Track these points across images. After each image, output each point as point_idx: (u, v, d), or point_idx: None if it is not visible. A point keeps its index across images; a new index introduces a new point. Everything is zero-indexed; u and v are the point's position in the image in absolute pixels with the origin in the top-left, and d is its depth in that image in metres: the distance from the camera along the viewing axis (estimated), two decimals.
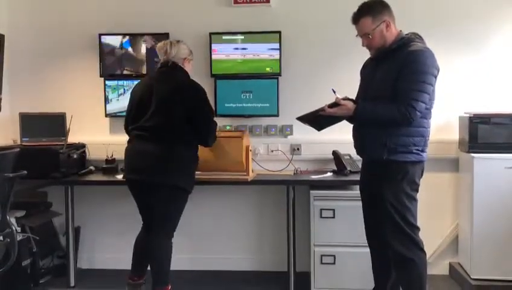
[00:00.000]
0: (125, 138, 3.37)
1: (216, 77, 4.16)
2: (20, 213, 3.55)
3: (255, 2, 4.13)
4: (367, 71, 3.00)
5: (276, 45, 4.08)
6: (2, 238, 2.88)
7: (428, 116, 2.83)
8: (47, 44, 4.32)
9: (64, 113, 4.16)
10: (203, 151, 3.36)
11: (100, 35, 4.21)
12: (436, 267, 4.09)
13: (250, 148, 3.65)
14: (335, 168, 3.92)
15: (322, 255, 3.59)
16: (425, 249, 2.85)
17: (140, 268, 3.40)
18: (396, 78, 2.73)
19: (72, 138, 4.01)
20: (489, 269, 3.68)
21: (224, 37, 4.13)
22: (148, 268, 3.34)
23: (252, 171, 3.74)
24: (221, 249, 4.27)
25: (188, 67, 3.36)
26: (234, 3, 4.13)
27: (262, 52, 4.10)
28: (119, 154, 3.57)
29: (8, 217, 2.90)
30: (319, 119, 2.95)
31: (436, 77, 2.77)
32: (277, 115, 4.12)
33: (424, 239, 2.85)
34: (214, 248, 4.28)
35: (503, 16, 4.02)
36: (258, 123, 4.19)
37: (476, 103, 3.97)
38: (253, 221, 4.27)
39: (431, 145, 2.92)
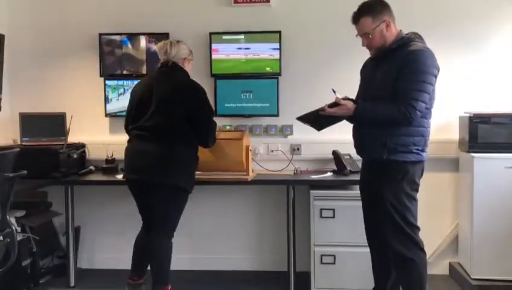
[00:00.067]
0: (125, 137, 3.37)
1: (216, 76, 4.16)
2: (20, 213, 3.55)
3: (255, 2, 4.13)
4: (367, 71, 3.00)
5: (276, 45, 4.08)
6: (2, 238, 2.87)
7: (429, 116, 2.83)
8: (47, 44, 4.32)
9: (64, 113, 4.16)
10: (203, 151, 3.36)
11: (100, 35, 4.21)
12: (436, 267, 4.09)
13: (250, 148, 3.65)
14: (335, 168, 3.92)
15: (322, 255, 3.59)
16: (426, 249, 2.85)
17: (140, 268, 3.40)
18: (396, 78, 2.72)
19: (72, 138, 4.01)
20: (489, 269, 3.68)
21: (224, 37, 4.13)
22: (148, 268, 3.34)
23: (252, 171, 3.74)
24: (221, 249, 4.27)
25: (188, 67, 3.36)
26: (234, 3, 4.13)
27: (263, 52, 4.10)
28: (119, 154, 3.57)
29: (8, 217, 2.90)
30: (319, 119, 2.95)
31: (436, 77, 2.77)
32: (277, 115, 4.12)
33: (424, 239, 2.85)
34: (214, 247, 4.28)
35: (503, 16, 4.02)
36: (258, 123, 4.19)
37: (476, 102, 3.97)
38: (253, 221, 4.27)
39: (431, 145, 2.92)
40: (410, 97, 2.69)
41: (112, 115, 4.26)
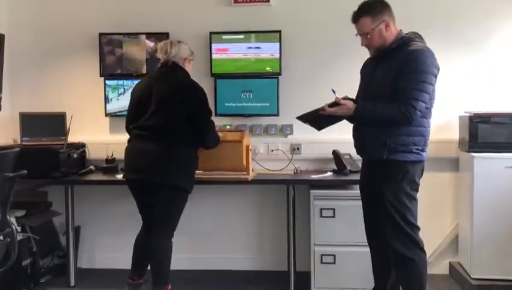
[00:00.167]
0: (125, 137, 3.38)
1: (216, 76, 4.16)
2: (20, 213, 3.55)
3: (255, 2, 4.13)
4: (367, 71, 3.00)
5: (277, 45, 4.08)
6: (2, 238, 2.88)
7: (429, 115, 2.83)
8: (47, 44, 4.33)
9: (64, 113, 4.16)
10: (203, 151, 3.36)
11: (100, 34, 4.21)
12: (436, 267, 4.09)
13: (250, 147, 3.64)
14: (335, 167, 3.92)
15: (322, 255, 3.59)
16: (426, 248, 2.85)
17: (140, 268, 3.40)
18: (396, 78, 2.72)
19: (72, 138, 4.01)
20: (489, 269, 3.68)
21: (224, 37, 4.13)
22: (148, 268, 3.34)
23: (252, 170, 3.74)
24: (222, 248, 4.28)
25: (188, 68, 3.36)
26: (234, 2, 4.14)
27: (263, 51, 4.10)
28: (119, 154, 3.57)
29: (8, 217, 2.90)
30: (319, 119, 2.95)
31: (436, 77, 2.77)
32: (277, 115, 4.12)
33: (424, 239, 2.85)
34: (214, 247, 4.28)
35: (503, 15, 4.01)
36: (258, 123, 4.19)
37: (476, 102, 3.97)
38: (253, 220, 4.27)
39: (431, 145, 2.92)
40: (410, 97, 2.68)
41: (112, 115, 4.26)
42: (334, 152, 3.95)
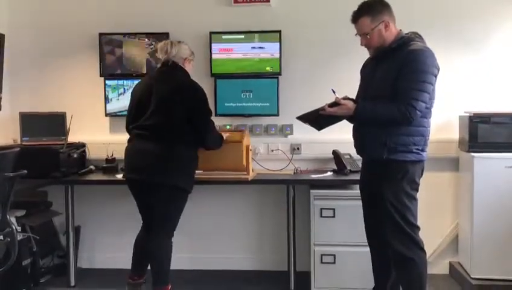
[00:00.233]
0: (125, 137, 3.38)
1: (216, 76, 4.16)
2: (21, 213, 3.55)
3: (255, 2, 4.13)
4: (367, 71, 3.00)
5: (276, 44, 4.08)
6: (2, 238, 2.88)
7: (429, 115, 2.83)
8: (47, 44, 4.33)
9: (65, 113, 4.16)
10: (204, 151, 3.36)
11: (100, 34, 4.21)
12: (436, 267, 4.09)
13: (250, 147, 3.65)
14: (335, 167, 3.92)
15: (322, 255, 3.59)
16: (426, 248, 2.85)
17: (140, 268, 3.40)
18: (396, 78, 2.72)
19: (72, 138, 4.01)
20: (489, 269, 3.68)
21: (224, 37, 4.13)
22: (149, 268, 3.34)
23: (252, 170, 3.74)
24: (222, 248, 4.28)
25: (188, 68, 3.36)
26: (234, 2, 4.13)
27: (263, 51, 4.10)
28: (119, 154, 3.57)
29: (8, 217, 2.90)
30: (319, 119, 2.95)
31: (436, 76, 2.77)
32: (277, 115, 4.12)
33: (424, 238, 2.85)
34: (214, 247, 4.28)
35: (503, 15, 4.01)
36: (258, 123, 4.19)
37: (476, 102, 3.97)
38: (253, 220, 4.27)
39: (431, 145, 2.92)
40: (410, 97, 2.69)
41: (112, 115, 4.26)
42: (334, 152, 3.95)
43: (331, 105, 2.85)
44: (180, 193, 3.23)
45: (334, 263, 3.59)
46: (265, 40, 4.10)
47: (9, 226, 2.90)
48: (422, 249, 2.82)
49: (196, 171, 3.36)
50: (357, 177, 3.27)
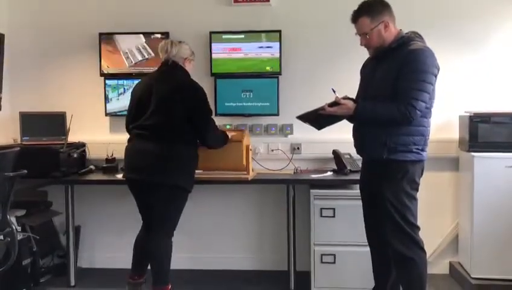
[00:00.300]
0: (125, 137, 3.38)
1: (216, 76, 4.15)
2: (21, 212, 3.55)
3: (255, 1, 4.13)
4: (367, 70, 3.00)
5: (277, 44, 4.08)
6: (2, 238, 2.88)
7: (429, 115, 2.83)
8: (47, 43, 4.33)
9: (65, 113, 4.16)
10: (203, 151, 3.36)
11: (100, 34, 4.21)
12: (436, 267, 4.09)
13: (250, 147, 3.65)
14: (335, 167, 3.92)
15: (322, 255, 3.59)
16: (426, 248, 2.85)
17: (140, 267, 3.40)
18: (396, 77, 2.72)
19: (72, 137, 4.01)
20: (489, 268, 3.68)
21: (224, 36, 4.13)
22: (149, 267, 3.34)
23: (252, 170, 3.74)
24: (222, 248, 4.28)
25: (188, 68, 3.36)
26: (234, 2, 4.14)
27: (263, 51, 4.10)
28: (119, 154, 3.57)
29: (8, 216, 2.90)
30: (319, 119, 2.95)
31: (436, 76, 2.77)
32: (277, 114, 4.12)
33: (424, 238, 2.85)
34: (214, 247, 4.28)
35: (504, 14, 4.01)
36: (258, 122, 4.19)
37: (476, 101, 3.97)
38: (253, 220, 4.27)
39: (431, 145, 2.92)
40: (410, 96, 2.68)
41: (112, 115, 4.26)
42: (334, 152, 3.95)
43: (331, 105, 2.85)
44: (180, 192, 3.23)
45: (334, 262, 3.58)
46: (265, 40, 4.10)
47: (9, 226, 2.90)
48: (422, 249, 2.82)
49: (196, 171, 3.36)
50: (357, 177, 3.27)
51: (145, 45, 4.19)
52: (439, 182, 4.04)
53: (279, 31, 4.08)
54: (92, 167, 4.06)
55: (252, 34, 4.11)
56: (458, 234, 4.08)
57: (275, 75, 4.11)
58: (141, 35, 4.19)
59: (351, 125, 3.01)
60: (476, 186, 3.67)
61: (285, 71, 4.12)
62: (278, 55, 4.08)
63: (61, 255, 4.16)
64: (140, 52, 4.20)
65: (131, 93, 3.42)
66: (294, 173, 3.87)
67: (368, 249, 3.06)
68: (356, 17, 2.85)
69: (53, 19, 4.31)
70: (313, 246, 3.62)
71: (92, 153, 4.19)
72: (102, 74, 4.24)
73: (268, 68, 4.11)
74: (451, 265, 4.11)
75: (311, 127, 3.07)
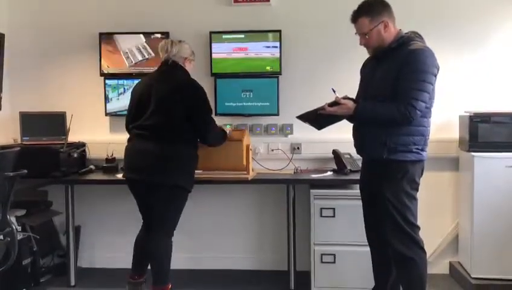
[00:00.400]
0: (125, 137, 3.38)
1: (216, 76, 4.15)
2: (21, 212, 3.55)
3: (255, 1, 4.13)
4: (367, 70, 3.00)
5: (277, 44, 4.08)
6: (2, 237, 2.88)
7: (429, 115, 2.83)
8: (47, 43, 4.33)
9: (65, 112, 4.16)
10: (203, 150, 3.36)
11: (100, 34, 4.21)
12: (437, 267, 4.09)
13: (250, 147, 3.65)
14: (335, 167, 3.93)
15: (322, 254, 3.59)
16: (426, 248, 2.85)
17: (140, 267, 3.41)
18: (396, 77, 2.72)
19: (72, 137, 4.01)
20: (489, 268, 3.68)
21: (224, 36, 4.13)
22: (149, 267, 3.34)
23: (252, 170, 3.74)
24: (222, 248, 4.28)
25: (188, 67, 3.36)
26: (234, 2, 4.14)
27: (263, 51, 4.10)
28: (120, 153, 3.57)
29: (8, 216, 2.90)
30: (319, 118, 2.95)
31: (436, 76, 2.77)
32: (277, 114, 4.12)
33: (424, 238, 2.85)
34: (214, 246, 4.28)
35: (504, 14, 4.01)
36: (258, 122, 4.19)
37: (476, 101, 3.97)
38: (253, 220, 4.27)
39: (431, 144, 2.92)
40: (410, 96, 2.68)
41: (112, 114, 4.26)
42: (334, 152, 3.95)
43: (331, 104, 2.85)
44: (180, 192, 3.23)
45: (334, 262, 3.58)
46: (265, 39, 4.09)
47: (9, 226, 2.90)
48: (422, 249, 2.82)
49: (196, 171, 3.36)
50: (357, 176, 3.27)
51: (145, 44, 4.19)
52: (439, 182, 4.04)
53: (279, 31, 4.08)
54: (92, 166, 4.06)
55: (252, 34, 4.11)
56: (458, 234, 4.08)
57: (275, 75, 4.11)
58: (141, 35, 4.20)
59: (351, 125, 3.01)
60: (476, 186, 3.67)
61: (285, 71, 4.12)
62: (277, 55, 4.08)
63: (61, 255, 4.16)
64: (140, 52, 4.20)
65: (131, 93, 3.42)
66: (294, 172, 3.87)
67: (367, 249, 3.06)
68: (356, 17, 2.85)
69: (53, 19, 4.31)
70: (313, 246, 3.62)
71: (92, 153, 4.19)
72: (102, 74, 4.24)
73: (268, 68, 4.11)
74: (451, 265, 4.11)
75: (311, 127, 3.07)
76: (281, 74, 4.11)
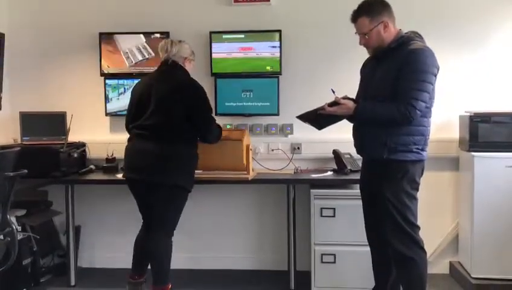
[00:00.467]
0: (125, 136, 3.38)
1: (216, 75, 4.15)
2: (21, 212, 3.55)
3: (255, 1, 4.13)
4: (367, 70, 3.00)
5: (277, 44, 4.08)
6: (2, 237, 2.88)
7: (429, 115, 2.83)
8: (47, 43, 4.33)
9: (65, 112, 4.16)
10: (203, 150, 3.36)
11: (100, 34, 4.21)
12: (437, 266, 4.09)
13: (250, 147, 3.65)
14: (335, 167, 3.93)
15: (322, 254, 3.59)
16: (426, 248, 2.85)
17: (140, 267, 3.41)
18: (396, 77, 2.72)
19: (72, 137, 4.01)
20: (489, 268, 3.68)
21: (224, 36, 4.13)
22: (149, 267, 3.34)
23: (253, 170, 3.74)
24: (222, 248, 4.28)
25: (188, 67, 3.36)
26: (234, 2, 4.14)
27: (263, 51, 4.10)
28: (120, 153, 3.57)
29: (8, 216, 2.90)
30: (319, 118, 2.95)
31: (436, 76, 2.77)
32: (277, 114, 4.12)
33: (425, 238, 2.85)
34: (214, 246, 4.28)
35: (504, 14, 4.01)
36: (258, 122, 4.19)
37: (476, 101, 3.97)
38: (253, 220, 4.27)
39: (431, 144, 2.92)
40: (410, 96, 2.69)
41: (112, 114, 4.26)
42: (335, 151, 3.95)
43: (331, 104, 2.86)
44: (180, 192, 3.23)
45: (334, 262, 3.58)
46: (265, 39, 4.09)
47: (9, 226, 2.90)
48: (422, 249, 2.82)
49: (196, 171, 3.36)
50: (357, 176, 3.27)
51: (145, 44, 4.19)
52: (439, 182, 4.04)
53: (279, 31, 4.08)
54: (92, 166, 4.06)
55: (252, 34, 4.11)
56: (458, 233, 4.08)
57: (275, 75, 4.11)
58: (141, 35, 4.20)
59: (351, 125, 3.02)
60: (476, 186, 3.67)
61: (286, 71, 4.12)
62: (278, 55, 4.08)
63: (61, 255, 4.16)
64: (140, 52, 4.20)
65: (131, 92, 3.42)
66: (294, 172, 3.87)
67: (368, 248, 3.06)
68: (356, 17, 2.85)
69: (53, 19, 4.31)
70: (313, 246, 3.62)
71: (92, 153, 4.19)
72: (102, 74, 4.24)
73: (268, 68, 4.11)
74: (451, 265, 4.11)
75: (311, 127, 3.07)
76: (281, 74, 4.11)
